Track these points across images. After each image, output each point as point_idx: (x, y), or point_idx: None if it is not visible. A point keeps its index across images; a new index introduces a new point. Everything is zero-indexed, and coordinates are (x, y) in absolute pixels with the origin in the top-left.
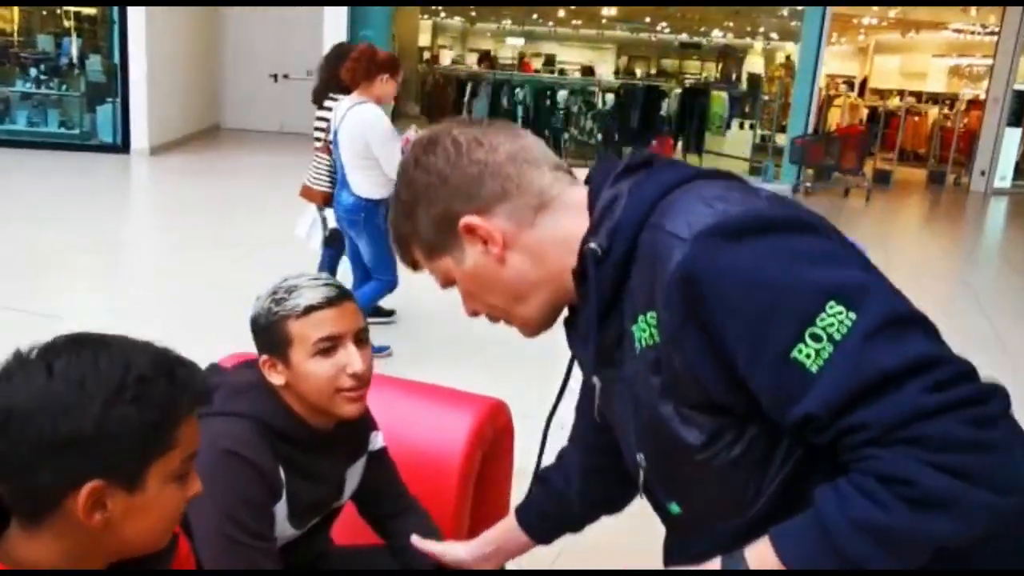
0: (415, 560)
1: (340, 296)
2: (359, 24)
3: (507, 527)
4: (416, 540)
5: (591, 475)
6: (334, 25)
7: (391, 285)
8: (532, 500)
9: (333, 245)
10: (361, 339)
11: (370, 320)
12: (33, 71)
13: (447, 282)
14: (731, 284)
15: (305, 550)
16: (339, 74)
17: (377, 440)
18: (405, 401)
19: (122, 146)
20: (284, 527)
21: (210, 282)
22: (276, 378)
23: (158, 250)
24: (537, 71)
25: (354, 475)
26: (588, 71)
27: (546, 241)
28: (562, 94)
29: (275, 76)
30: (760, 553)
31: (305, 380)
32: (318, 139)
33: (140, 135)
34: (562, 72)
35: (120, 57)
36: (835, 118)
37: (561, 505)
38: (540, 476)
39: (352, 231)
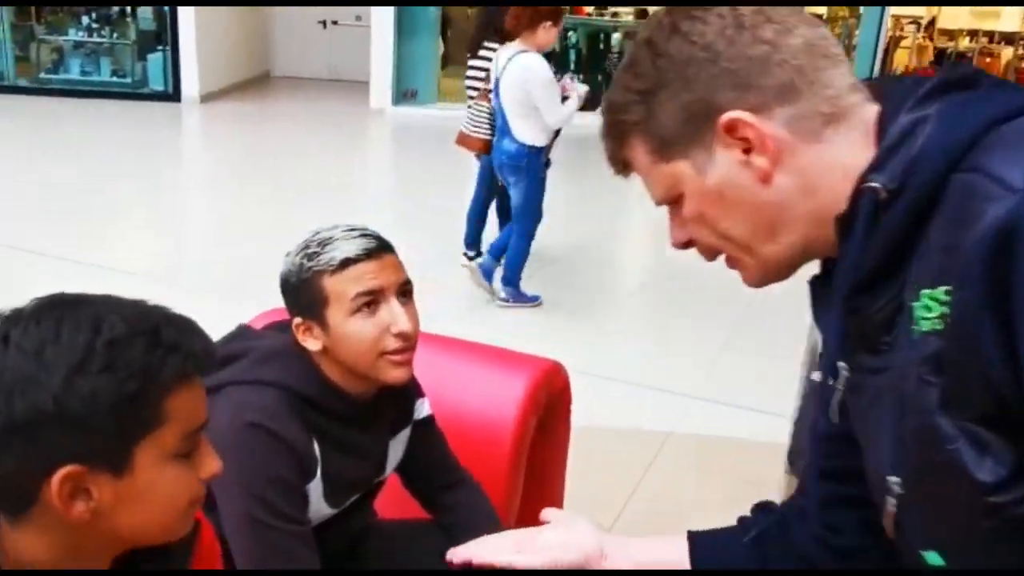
0: (467, 538)
1: (380, 247)
2: None
3: (669, 549)
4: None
5: (832, 508)
6: None
7: (532, 234)
8: (723, 531)
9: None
10: (406, 293)
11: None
12: (85, 19)
13: (669, 196)
14: None
15: (343, 528)
16: (495, 22)
17: (423, 408)
18: (452, 363)
19: (173, 94)
20: (320, 507)
21: (261, 228)
22: (312, 343)
23: (209, 197)
24: (589, 15)
25: (398, 448)
26: (642, 14)
27: (828, 165)
28: (616, 37)
29: (324, 23)
30: None
31: (345, 343)
32: (474, 88)
33: (191, 83)
34: (615, 15)
35: (170, 5)
36: (902, 61)
37: (763, 548)
38: (763, 504)
39: (512, 177)
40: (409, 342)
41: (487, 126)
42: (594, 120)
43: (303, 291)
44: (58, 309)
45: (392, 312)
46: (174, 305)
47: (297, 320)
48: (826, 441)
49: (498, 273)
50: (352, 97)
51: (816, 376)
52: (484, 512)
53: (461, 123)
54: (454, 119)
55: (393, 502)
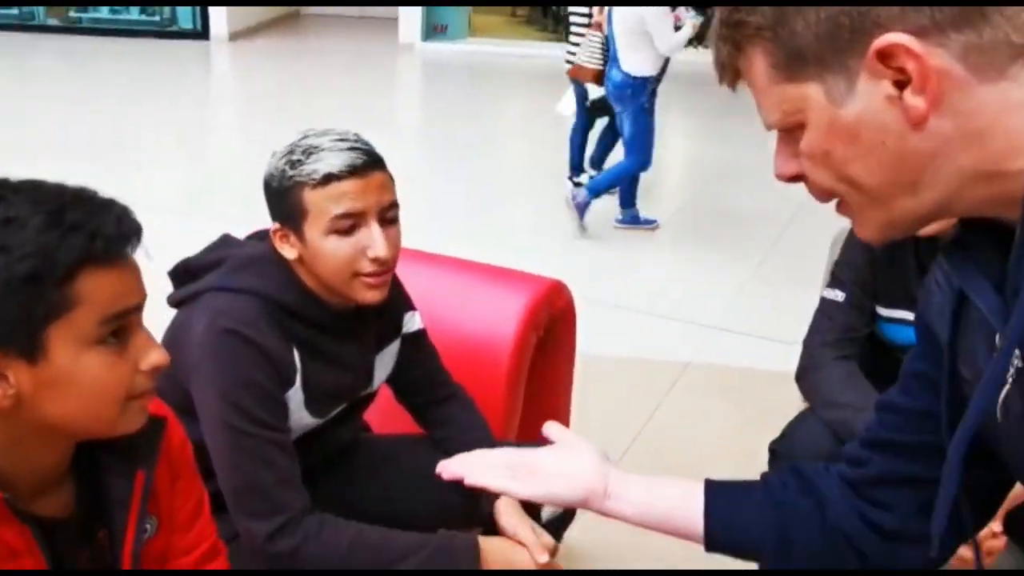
0: (457, 453)
1: (367, 164)
2: None
3: (679, 496)
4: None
5: (884, 486)
6: None
7: (643, 165)
8: (745, 486)
9: (598, 115)
10: (387, 218)
11: (620, 223)
12: None
13: (787, 123)
14: None
15: (331, 440)
16: None
17: (414, 321)
18: (452, 280)
19: (202, 32)
20: (301, 415)
21: None
22: (288, 251)
23: (239, 134)
24: None
25: (386, 360)
26: None
27: (1008, 108)
28: None
29: None
30: None
31: (320, 259)
32: (579, 23)
33: (219, 21)
34: None
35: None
36: None
37: (789, 518)
38: (795, 467)
39: (618, 106)
40: (385, 266)
41: (600, 56)
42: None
43: (283, 199)
44: None
45: (371, 236)
46: (202, 236)
47: (275, 226)
48: (894, 413)
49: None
50: (381, 33)
51: (828, 293)
52: (477, 427)
53: (571, 55)
54: (484, 54)
55: (386, 416)
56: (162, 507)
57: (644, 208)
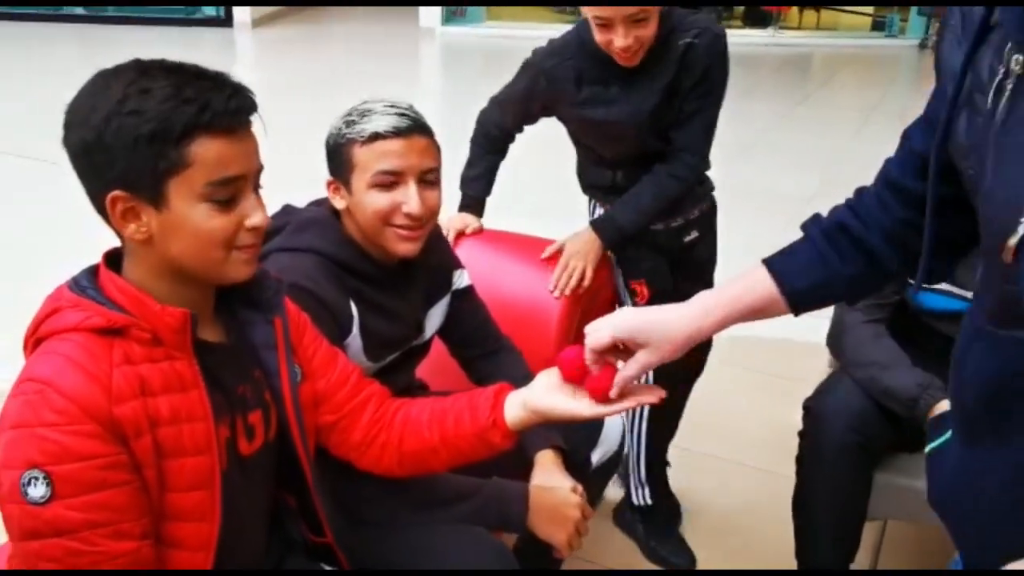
0: None
1: (411, 128)
2: None
3: (745, 285)
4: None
5: (909, 231)
6: None
7: None
8: (802, 246)
9: None
10: (426, 179)
11: None
12: None
13: None
14: None
15: (387, 383)
16: None
17: (462, 279)
18: (500, 252)
19: (225, 19)
20: (360, 359)
21: (316, 153)
22: (339, 202)
23: (258, 122)
24: None
25: (436, 315)
26: None
27: None
28: None
29: None
30: None
31: (360, 208)
32: None
33: (243, 8)
34: None
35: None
36: None
37: (853, 254)
38: (838, 221)
39: None
40: (417, 222)
41: None
42: None
43: (337, 154)
44: (131, 65)
45: (407, 194)
46: None
47: (330, 178)
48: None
49: None
50: (402, 17)
51: None
52: (522, 376)
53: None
54: (502, 37)
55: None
56: (301, 357)
57: None
